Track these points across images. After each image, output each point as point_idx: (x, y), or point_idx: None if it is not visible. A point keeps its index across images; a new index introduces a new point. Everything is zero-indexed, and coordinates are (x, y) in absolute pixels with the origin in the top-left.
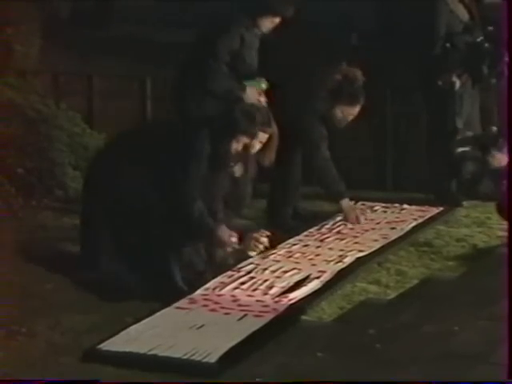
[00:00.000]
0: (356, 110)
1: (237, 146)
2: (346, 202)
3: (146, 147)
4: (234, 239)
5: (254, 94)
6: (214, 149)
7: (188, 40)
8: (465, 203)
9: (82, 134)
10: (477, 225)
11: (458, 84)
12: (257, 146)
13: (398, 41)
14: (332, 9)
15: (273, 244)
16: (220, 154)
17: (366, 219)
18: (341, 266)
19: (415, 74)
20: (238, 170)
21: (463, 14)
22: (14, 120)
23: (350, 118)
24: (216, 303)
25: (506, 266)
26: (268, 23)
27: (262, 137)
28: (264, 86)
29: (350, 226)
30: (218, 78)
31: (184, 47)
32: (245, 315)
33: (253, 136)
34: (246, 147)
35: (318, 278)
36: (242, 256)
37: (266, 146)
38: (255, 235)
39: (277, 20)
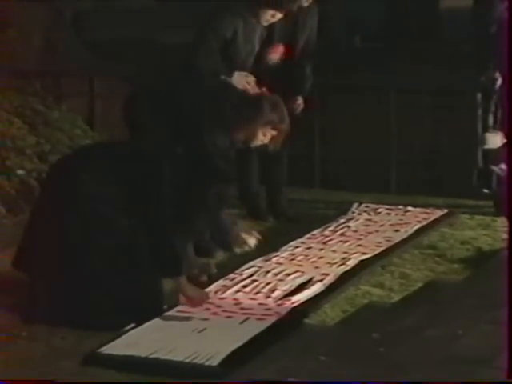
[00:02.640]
0: None
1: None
2: None
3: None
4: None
5: (243, 81)
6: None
7: (189, 40)
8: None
9: (84, 136)
10: (482, 227)
11: (499, 81)
12: (264, 140)
13: (405, 39)
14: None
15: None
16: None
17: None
18: (344, 268)
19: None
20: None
21: None
22: (14, 121)
23: None
24: (218, 306)
25: (506, 270)
26: (269, 16)
27: (271, 133)
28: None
29: (353, 228)
30: (204, 55)
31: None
32: (247, 318)
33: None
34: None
35: (320, 280)
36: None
37: (274, 137)
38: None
39: (279, 15)
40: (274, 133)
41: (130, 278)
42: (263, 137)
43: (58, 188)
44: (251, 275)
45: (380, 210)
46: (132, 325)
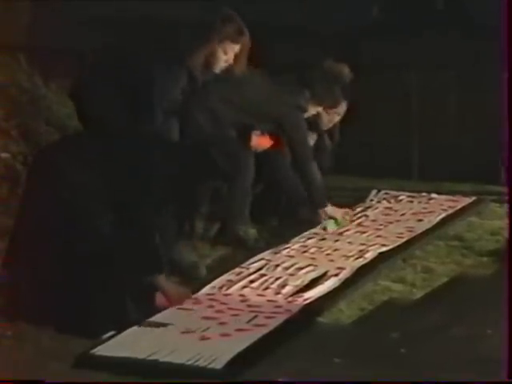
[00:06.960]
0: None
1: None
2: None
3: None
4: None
5: None
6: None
7: (182, 17)
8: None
9: (73, 116)
10: None
11: None
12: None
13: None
14: None
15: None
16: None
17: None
18: (361, 262)
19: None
20: None
21: None
22: None
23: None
24: (223, 303)
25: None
26: None
27: (233, 49)
28: None
29: (372, 217)
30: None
31: (179, 24)
32: (255, 317)
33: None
34: None
35: (336, 275)
36: None
37: (239, 55)
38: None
39: None
40: (237, 48)
41: (108, 281)
42: (225, 55)
43: (40, 180)
44: (259, 269)
45: (401, 197)
46: (112, 332)
